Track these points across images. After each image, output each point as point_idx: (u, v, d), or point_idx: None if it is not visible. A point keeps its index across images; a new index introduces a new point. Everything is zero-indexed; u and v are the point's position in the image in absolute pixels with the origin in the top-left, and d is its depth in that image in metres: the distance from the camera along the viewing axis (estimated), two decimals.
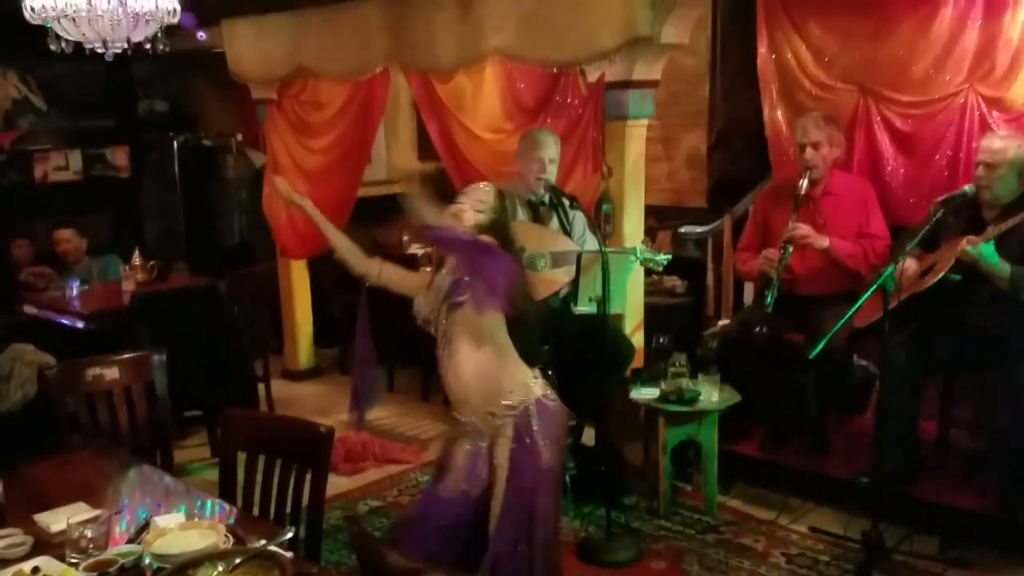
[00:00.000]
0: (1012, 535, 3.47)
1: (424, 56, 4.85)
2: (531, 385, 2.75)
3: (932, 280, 3.51)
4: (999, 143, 3.50)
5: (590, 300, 3.68)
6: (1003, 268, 3.36)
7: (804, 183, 3.94)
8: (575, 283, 3.81)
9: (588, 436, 4.24)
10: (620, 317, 4.28)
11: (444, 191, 3.08)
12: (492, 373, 2.71)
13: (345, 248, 3.06)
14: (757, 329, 3.86)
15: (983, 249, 3.35)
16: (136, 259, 5.32)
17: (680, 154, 6.53)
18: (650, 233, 4.57)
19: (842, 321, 3.38)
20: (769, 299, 3.88)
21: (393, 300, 5.89)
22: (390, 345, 6.00)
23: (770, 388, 4.17)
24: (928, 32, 3.99)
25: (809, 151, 3.96)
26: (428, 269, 3.06)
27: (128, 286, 5.12)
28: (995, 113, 3.86)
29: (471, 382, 2.73)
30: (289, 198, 3.24)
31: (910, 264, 3.59)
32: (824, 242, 3.94)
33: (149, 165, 7.73)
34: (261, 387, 5.38)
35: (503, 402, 2.70)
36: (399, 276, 2.99)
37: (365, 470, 4.57)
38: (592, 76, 4.20)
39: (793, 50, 4.39)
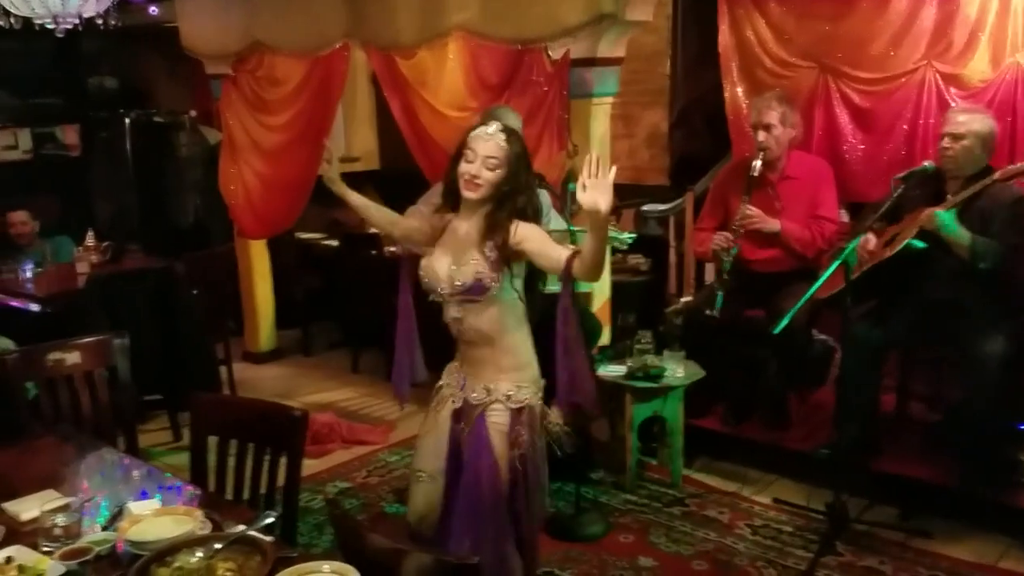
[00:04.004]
0: (971, 506, 3.57)
1: (385, 32, 4.79)
2: (536, 391, 2.62)
3: (896, 248, 3.57)
4: (965, 115, 3.56)
5: (558, 279, 3.68)
6: (963, 236, 3.42)
7: (757, 164, 3.97)
8: None
9: (555, 414, 4.26)
10: (587, 295, 4.30)
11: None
12: (508, 360, 2.58)
13: (378, 221, 2.83)
14: (708, 311, 3.89)
15: (944, 216, 3.41)
16: (89, 240, 5.21)
17: (640, 132, 6.55)
18: (613, 211, 4.57)
19: (806, 297, 3.43)
20: (719, 300, 3.91)
21: (358, 285, 5.88)
22: (355, 328, 6.01)
23: (732, 364, 4.23)
24: (886, 9, 4.05)
25: (762, 133, 3.99)
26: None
27: (82, 268, 5.02)
28: (952, 90, 3.94)
29: (485, 359, 2.59)
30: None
31: (869, 238, 3.66)
32: (775, 226, 4.00)
33: (100, 143, 7.54)
34: (223, 370, 5.31)
35: (505, 390, 2.56)
36: (404, 231, 2.73)
37: (332, 452, 4.55)
38: (556, 53, 4.18)
39: (753, 28, 4.43)
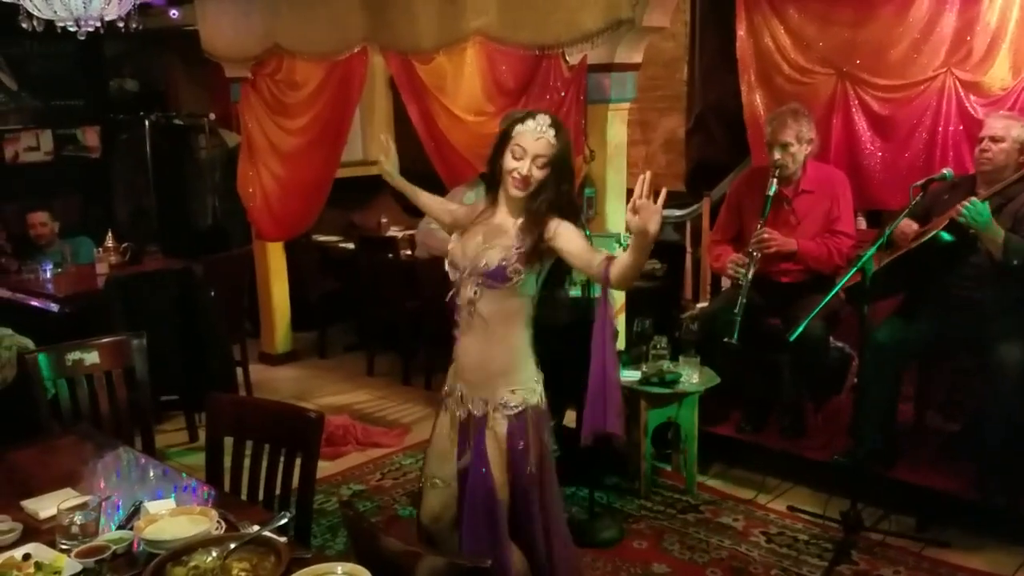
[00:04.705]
0: (988, 516, 3.54)
1: (404, 37, 4.81)
2: (535, 388, 2.58)
3: (924, 238, 3.56)
4: (1004, 120, 3.56)
5: (575, 284, 3.69)
6: (997, 231, 3.41)
7: (773, 183, 3.94)
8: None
9: (570, 418, 4.26)
10: None
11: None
12: (502, 360, 2.55)
13: (432, 210, 2.89)
14: (726, 340, 3.82)
15: (980, 207, 3.39)
16: (109, 241, 5.26)
17: (657, 138, 6.55)
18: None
19: (821, 305, 3.43)
20: (738, 310, 3.85)
21: (374, 288, 5.90)
22: (370, 330, 6.04)
23: (748, 370, 4.21)
24: (906, 16, 4.03)
25: (778, 152, 3.96)
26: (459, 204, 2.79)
27: (102, 269, 5.07)
28: (972, 97, 3.92)
29: (478, 359, 2.57)
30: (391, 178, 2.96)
31: (911, 223, 3.65)
32: (792, 246, 3.97)
33: (120, 145, 7.61)
34: (239, 371, 5.33)
35: (500, 399, 2.53)
36: (454, 219, 2.75)
37: (346, 454, 4.57)
38: (574, 59, 4.19)
39: (772, 34, 4.42)
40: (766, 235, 3.94)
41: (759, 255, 3.94)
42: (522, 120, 2.48)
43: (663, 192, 2.21)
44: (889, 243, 3.55)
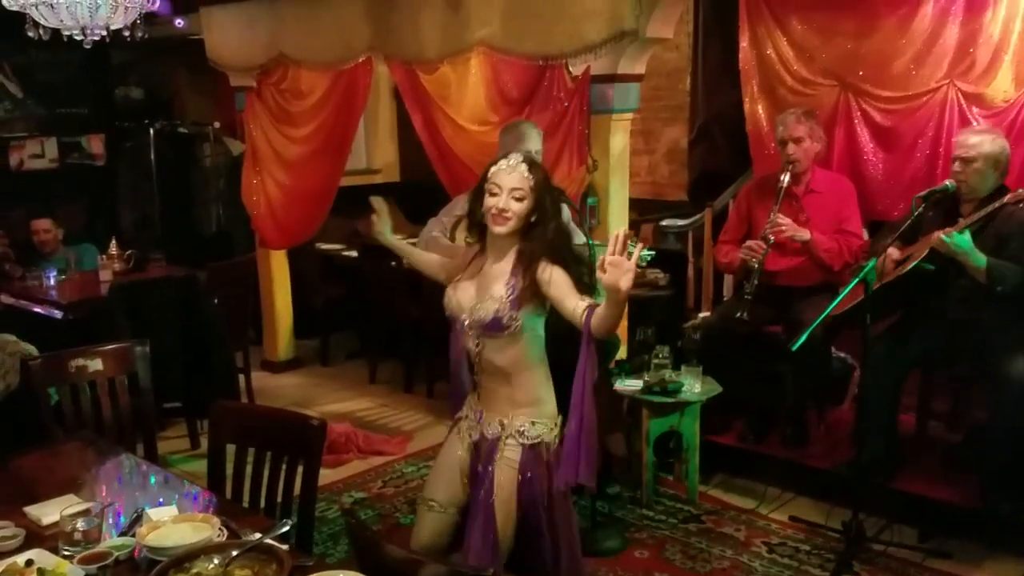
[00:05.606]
0: (991, 527, 3.53)
1: (408, 46, 4.83)
2: (552, 428, 2.55)
3: (905, 269, 3.57)
4: (974, 138, 3.56)
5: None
6: (980, 259, 3.41)
7: (786, 177, 3.99)
8: None
9: None
10: None
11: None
12: (522, 397, 2.53)
13: (427, 269, 2.89)
14: (738, 315, 3.89)
15: (958, 239, 3.40)
16: (113, 248, 5.27)
17: (660, 148, 6.57)
18: (633, 226, 4.59)
19: (825, 313, 3.43)
20: (750, 290, 3.92)
21: (377, 296, 5.91)
22: (373, 338, 6.05)
23: (750, 379, 4.22)
24: (909, 28, 4.04)
25: (791, 146, 4.00)
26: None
27: (105, 276, 5.07)
28: (975, 109, 3.93)
29: (499, 396, 2.56)
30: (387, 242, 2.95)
31: (892, 251, 3.66)
32: (805, 235, 4.00)
33: (125, 153, 7.63)
34: (241, 378, 5.34)
35: (518, 425, 2.52)
36: (450, 274, 2.74)
37: (348, 462, 4.57)
38: (577, 69, 4.20)
39: (775, 45, 4.43)
40: (781, 219, 3.96)
41: (773, 239, 3.98)
42: (495, 162, 2.52)
43: (639, 247, 2.19)
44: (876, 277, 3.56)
